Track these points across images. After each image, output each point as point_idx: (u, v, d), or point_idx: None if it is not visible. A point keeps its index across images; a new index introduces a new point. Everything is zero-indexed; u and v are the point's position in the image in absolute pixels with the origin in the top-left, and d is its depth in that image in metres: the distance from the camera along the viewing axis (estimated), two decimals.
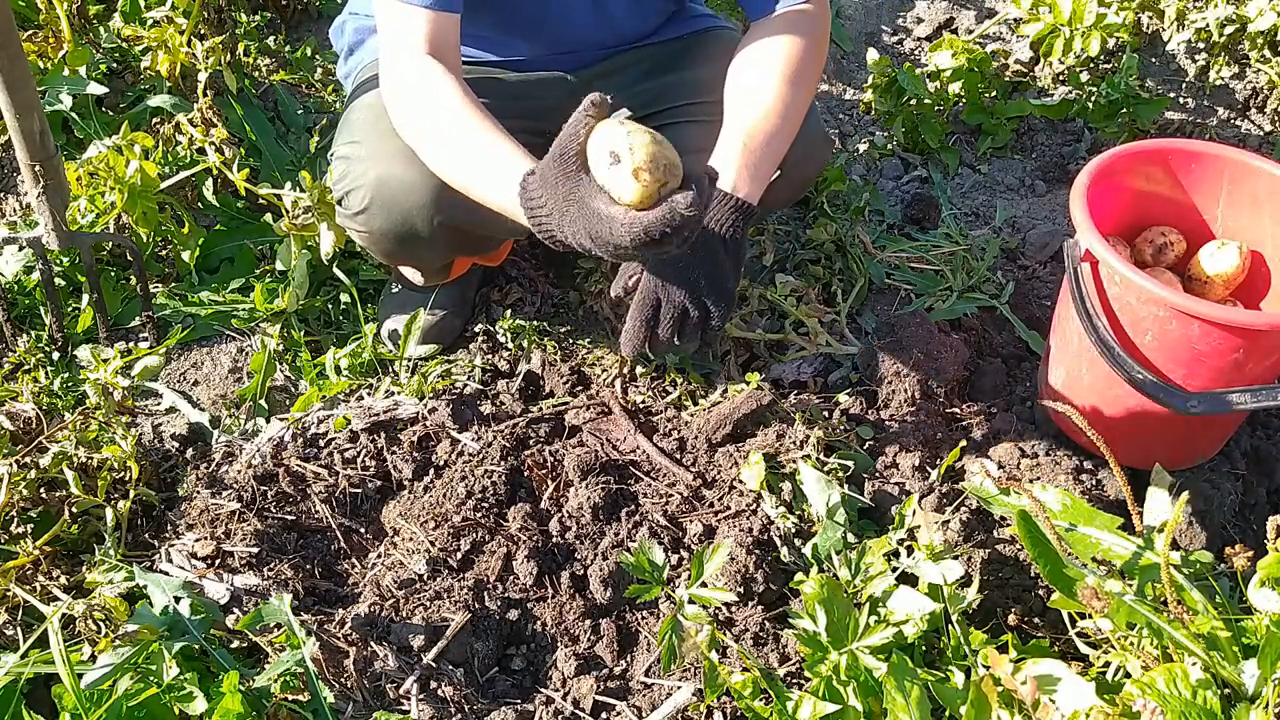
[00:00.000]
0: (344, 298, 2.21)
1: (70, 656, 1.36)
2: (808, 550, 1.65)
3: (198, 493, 1.77)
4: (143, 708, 1.35)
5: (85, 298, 2.15)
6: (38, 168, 1.89)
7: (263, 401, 2.00)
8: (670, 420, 1.93)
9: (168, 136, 2.31)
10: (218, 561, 1.67)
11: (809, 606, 1.45)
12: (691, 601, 1.45)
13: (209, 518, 1.72)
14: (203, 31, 2.52)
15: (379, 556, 1.73)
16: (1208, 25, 2.74)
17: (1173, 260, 1.81)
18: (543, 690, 1.55)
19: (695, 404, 1.96)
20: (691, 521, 1.73)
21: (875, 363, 1.99)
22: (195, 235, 2.25)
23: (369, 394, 2.01)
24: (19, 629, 1.56)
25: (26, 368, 2.04)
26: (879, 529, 1.69)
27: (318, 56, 2.87)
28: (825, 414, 1.89)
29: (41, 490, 1.70)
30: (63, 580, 1.62)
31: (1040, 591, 1.60)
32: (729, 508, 1.74)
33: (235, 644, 1.54)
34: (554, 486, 1.79)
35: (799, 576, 1.57)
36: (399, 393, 1.99)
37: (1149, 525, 1.50)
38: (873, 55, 2.73)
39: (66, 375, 2.03)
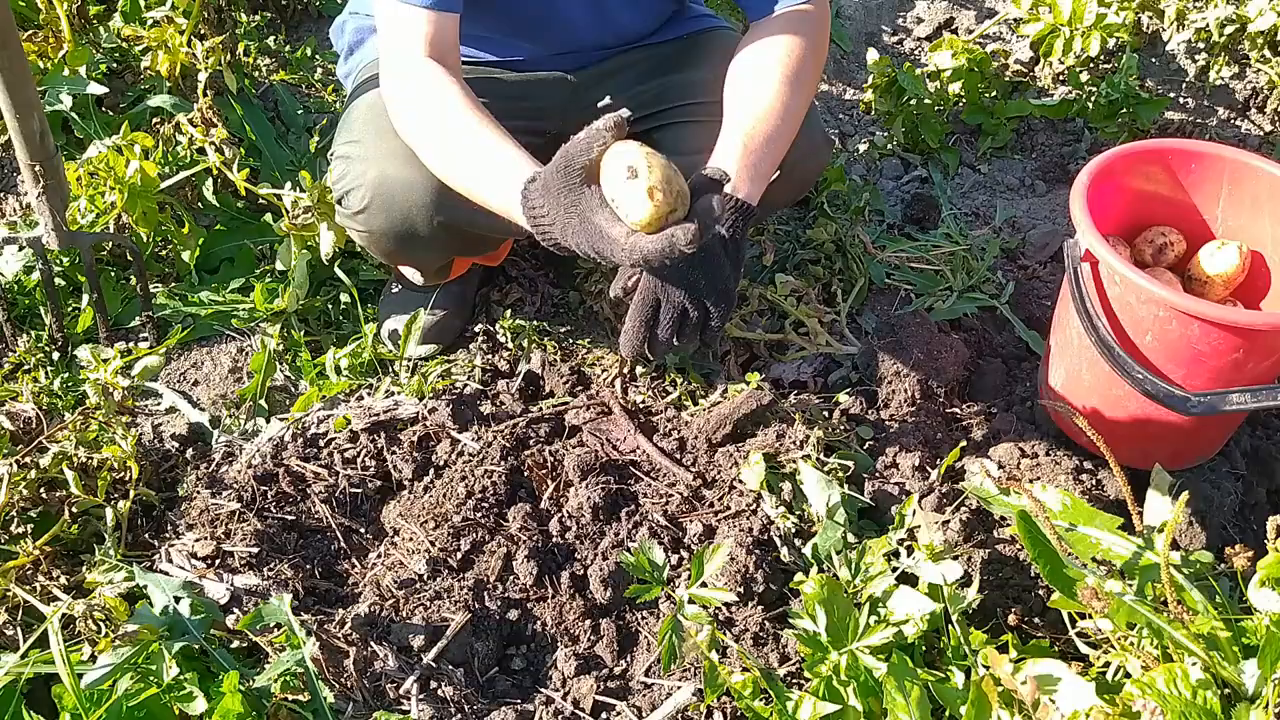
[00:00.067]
0: (344, 298, 2.21)
1: (70, 656, 1.36)
2: (808, 550, 1.65)
3: (198, 493, 1.77)
4: (143, 708, 1.35)
5: (85, 298, 2.15)
6: (38, 168, 1.89)
7: (263, 401, 2.00)
8: (670, 420, 1.93)
9: (168, 136, 2.31)
10: (218, 561, 1.67)
11: (809, 606, 1.45)
12: (691, 601, 1.45)
13: (209, 518, 1.72)
14: (203, 31, 2.52)
15: (379, 556, 1.73)
16: (1208, 25, 2.74)
17: (1173, 260, 1.81)
18: (543, 690, 1.55)
19: (695, 404, 1.96)
20: (691, 521, 1.73)
21: (875, 363, 1.99)
22: (195, 235, 2.25)
23: (369, 394, 2.01)
24: (19, 629, 1.56)
25: (26, 368, 2.04)
26: (879, 529, 1.69)
27: (318, 56, 2.87)
28: (825, 414, 1.89)
29: (41, 490, 1.70)
30: (63, 580, 1.62)
31: (1040, 591, 1.60)
32: (729, 508, 1.74)
33: (235, 644, 1.54)
34: (554, 486, 1.79)
35: (799, 576, 1.57)
36: (399, 393, 1.99)
37: (1149, 525, 1.51)
38: (873, 55, 2.73)
39: (66, 375, 2.03)
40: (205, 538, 1.69)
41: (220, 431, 1.93)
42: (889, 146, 2.73)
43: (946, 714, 1.37)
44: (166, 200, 2.22)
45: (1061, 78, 2.86)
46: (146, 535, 1.74)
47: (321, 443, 1.87)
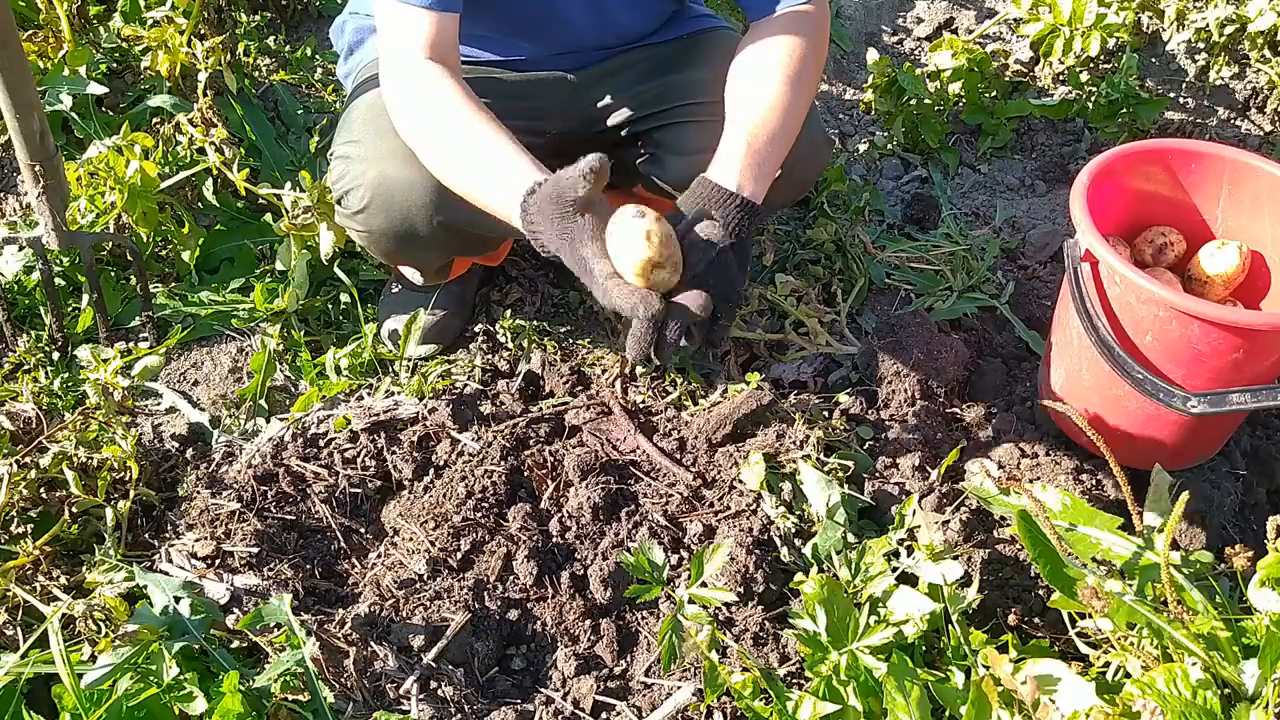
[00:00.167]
0: (344, 298, 2.21)
1: (70, 656, 1.36)
2: (808, 550, 1.65)
3: (198, 493, 1.77)
4: (143, 708, 1.35)
5: (85, 298, 2.15)
6: (38, 168, 1.89)
7: (263, 401, 2.00)
8: (670, 420, 1.93)
9: (168, 136, 2.31)
10: (218, 561, 1.67)
11: (809, 606, 1.45)
12: (691, 601, 1.45)
13: (209, 518, 1.72)
14: (203, 31, 2.52)
15: (379, 556, 1.73)
16: (1208, 25, 2.74)
17: (1173, 260, 1.81)
18: (543, 690, 1.55)
19: (695, 404, 1.96)
20: (691, 521, 1.73)
21: (875, 363, 1.99)
22: (195, 235, 2.25)
23: (369, 394, 2.01)
24: (19, 629, 1.56)
25: (26, 368, 2.04)
26: (879, 529, 1.69)
27: (318, 56, 2.87)
28: (825, 414, 1.89)
29: (41, 490, 1.70)
30: (63, 580, 1.62)
31: (1040, 591, 1.60)
32: (729, 508, 1.74)
33: (235, 644, 1.54)
34: (554, 486, 1.79)
35: (799, 576, 1.57)
36: (399, 393, 1.99)
37: (1149, 525, 1.50)
38: (873, 55, 2.73)
39: (66, 375, 2.03)
40: (205, 538, 1.69)
41: (220, 431, 1.93)
42: (889, 146, 2.73)
43: (946, 714, 1.37)
44: (166, 200, 2.22)
45: (1061, 78, 2.86)
46: (146, 535, 1.74)
47: (321, 443, 1.87)
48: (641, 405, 1.97)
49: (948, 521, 1.63)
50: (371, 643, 1.55)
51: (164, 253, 2.30)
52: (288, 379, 2.07)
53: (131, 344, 2.12)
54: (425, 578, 1.66)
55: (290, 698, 1.42)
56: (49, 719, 1.39)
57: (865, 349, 2.04)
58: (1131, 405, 1.72)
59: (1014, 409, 1.96)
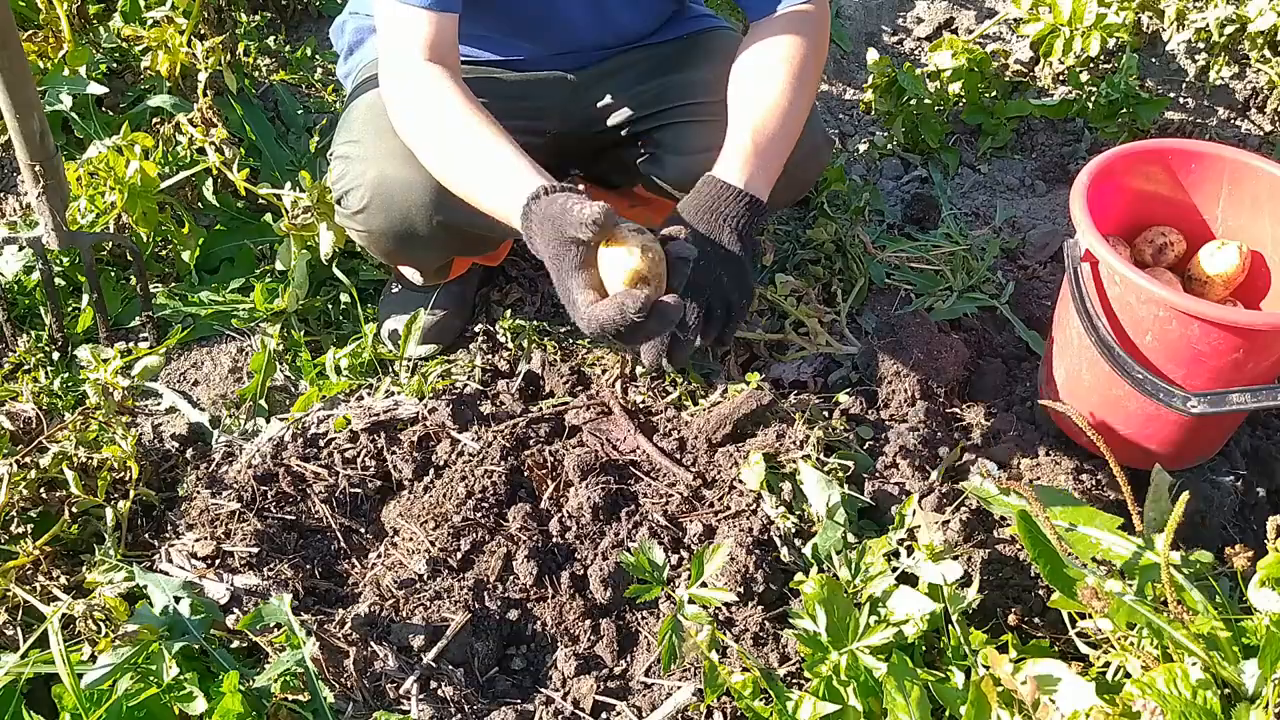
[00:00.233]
0: (344, 298, 2.21)
1: (70, 656, 1.36)
2: (808, 550, 1.65)
3: (198, 493, 1.77)
4: (143, 708, 1.35)
5: (85, 298, 2.15)
6: (38, 168, 1.89)
7: (263, 401, 2.00)
8: (670, 420, 1.93)
9: (168, 136, 2.31)
10: (218, 561, 1.67)
11: (809, 606, 1.45)
12: (691, 601, 1.45)
13: (209, 518, 1.72)
14: (203, 31, 2.52)
15: (379, 556, 1.73)
16: (1208, 25, 2.74)
17: (1173, 260, 1.81)
18: (543, 690, 1.55)
19: (695, 404, 1.96)
20: (691, 521, 1.73)
21: (875, 363, 1.99)
22: (195, 235, 2.25)
23: (369, 394, 2.01)
24: (19, 629, 1.56)
25: (26, 368, 2.04)
26: (879, 529, 1.69)
27: (318, 56, 2.87)
28: (825, 414, 1.89)
29: (41, 490, 1.70)
30: (63, 580, 1.62)
31: (1040, 591, 1.60)
32: (729, 508, 1.74)
33: (235, 644, 1.54)
34: (554, 486, 1.79)
35: (799, 576, 1.57)
36: (399, 393, 1.99)
37: (1149, 525, 1.50)
38: (873, 55, 2.73)
39: (66, 375, 2.03)
40: (205, 538, 1.69)
41: (220, 431, 1.93)
42: (889, 146, 2.73)
43: (946, 714, 1.37)
44: (166, 200, 2.22)
45: (1061, 78, 2.86)
46: (146, 535, 1.74)
47: (321, 443, 1.87)
48: (641, 405, 1.97)
49: (948, 521, 1.63)
50: (371, 643, 1.55)
51: (164, 253, 2.30)
52: (288, 379, 2.07)
53: (131, 344, 2.12)
54: (425, 578, 1.66)
55: (290, 698, 1.42)
56: (49, 719, 1.39)
57: (865, 349, 2.04)
58: (1131, 405, 1.72)
59: (1014, 409, 1.96)
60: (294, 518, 1.75)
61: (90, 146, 2.24)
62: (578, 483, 1.77)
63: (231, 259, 2.30)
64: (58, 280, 2.14)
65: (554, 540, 1.71)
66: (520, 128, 1.57)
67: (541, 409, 1.96)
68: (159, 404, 2.03)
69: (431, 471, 1.83)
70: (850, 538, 1.63)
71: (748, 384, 1.93)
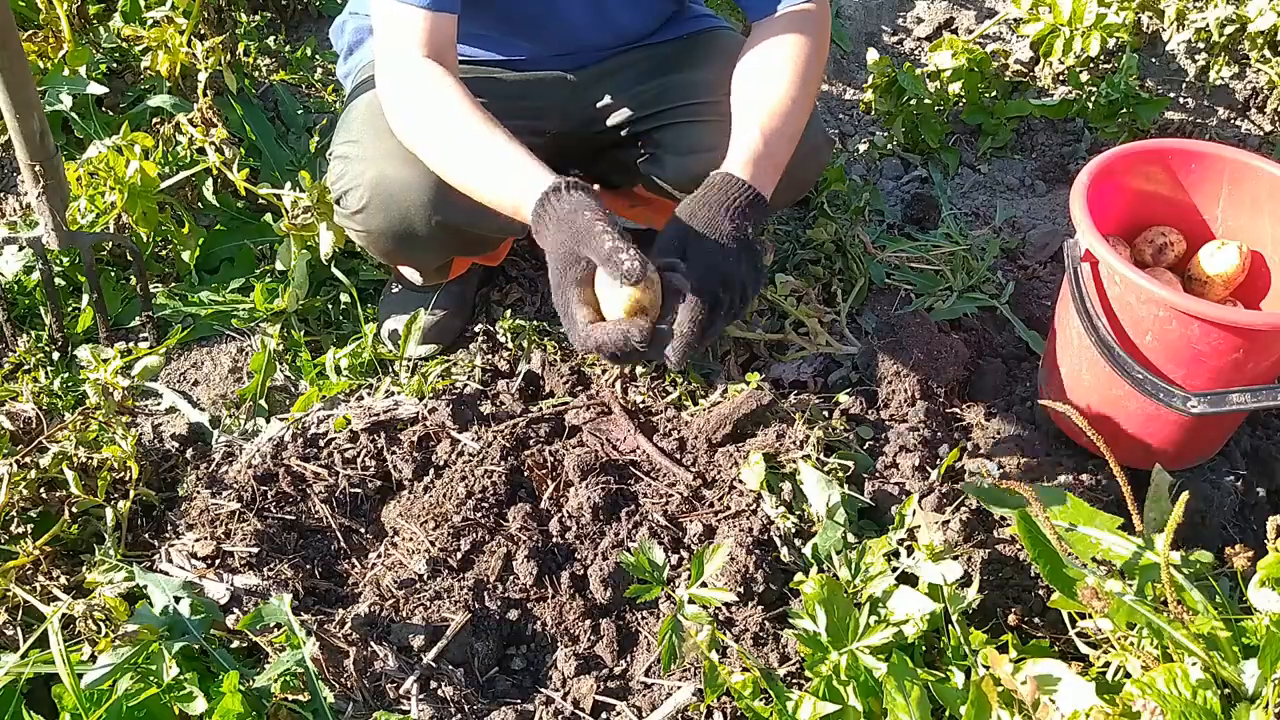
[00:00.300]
0: (344, 298, 2.21)
1: (70, 656, 1.36)
2: (808, 550, 1.65)
3: (198, 493, 1.77)
4: (143, 708, 1.35)
5: (85, 298, 2.15)
6: (38, 168, 1.89)
7: (263, 401, 2.00)
8: (670, 420, 1.93)
9: (168, 136, 2.31)
10: (218, 561, 1.67)
11: (809, 606, 1.45)
12: (691, 601, 1.45)
13: (209, 518, 1.72)
14: (203, 31, 2.52)
15: (379, 556, 1.73)
16: (1208, 25, 2.74)
17: (1173, 260, 1.81)
18: (543, 690, 1.55)
19: (695, 404, 1.96)
20: (691, 521, 1.73)
21: (875, 363, 1.99)
22: (195, 235, 2.25)
23: (369, 394, 2.01)
24: (19, 629, 1.56)
25: (26, 368, 2.04)
26: (879, 529, 1.69)
27: (318, 56, 2.87)
28: (825, 414, 1.89)
29: (41, 490, 1.70)
30: (63, 580, 1.62)
31: (1040, 591, 1.60)
32: (729, 508, 1.74)
33: (235, 644, 1.54)
34: (554, 486, 1.79)
35: (799, 576, 1.57)
36: (399, 393, 1.99)
37: (1149, 525, 1.50)
38: (873, 55, 2.73)
39: (66, 375, 2.03)
40: (205, 538, 1.69)
41: (220, 431, 1.93)
42: (889, 146, 2.73)
43: (946, 714, 1.37)
44: (166, 200, 2.22)
45: (1061, 78, 2.86)
46: (146, 535, 1.74)
47: (321, 443, 1.87)
48: (641, 405, 1.97)
49: (948, 521, 1.63)
50: (371, 643, 1.55)
51: (164, 253, 2.30)
52: (288, 379, 2.07)
53: (131, 344, 2.12)
54: (425, 578, 1.66)
55: (290, 698, 1.42)
56: (49, 719, 1.39)
57: (865, 349, 2.04)
58: (1131, 405, 1.72)
59: (1014, 409, 1.96)
60: (294, 518, 1.75)
61: (90, 146, 2.24)
62: (578, 483, 1.77)
63: (231, 259, 2.30)
64: (58, 280, 2.14)
65: (554, 540, 1.71)
66: (520, 128, 1.57)
67: (541, 409, 1.96)
68: (159, 404, 2.03)
69: (431, 471, 1.83)
70: (850, 538, 1.63)
71: (748, 384, 1.93)
